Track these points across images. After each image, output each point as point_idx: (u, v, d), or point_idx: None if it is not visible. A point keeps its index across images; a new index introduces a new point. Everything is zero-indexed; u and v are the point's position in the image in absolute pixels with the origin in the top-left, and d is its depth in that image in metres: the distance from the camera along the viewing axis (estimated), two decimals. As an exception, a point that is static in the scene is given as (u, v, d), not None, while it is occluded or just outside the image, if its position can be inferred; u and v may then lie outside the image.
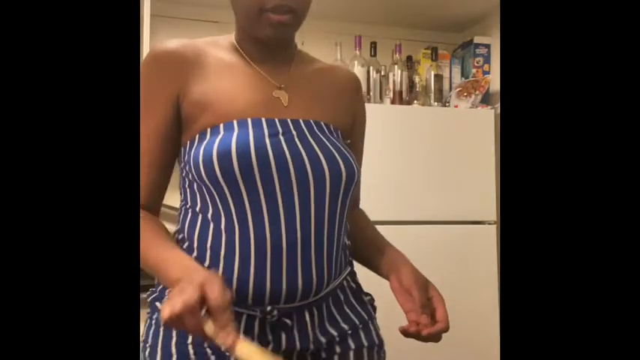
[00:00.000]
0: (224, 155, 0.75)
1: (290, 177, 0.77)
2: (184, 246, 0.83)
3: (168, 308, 0.62)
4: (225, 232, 0.78)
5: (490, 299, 2.02)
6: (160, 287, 0.89)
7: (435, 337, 0.78)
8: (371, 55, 2.18)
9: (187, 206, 0.86)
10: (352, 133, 0.93)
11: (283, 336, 0.79)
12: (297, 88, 0.86)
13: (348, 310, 0.86)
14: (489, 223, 2.10)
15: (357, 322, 0.86)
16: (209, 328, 0.63)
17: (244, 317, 0.77)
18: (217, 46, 0.87)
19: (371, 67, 2.13)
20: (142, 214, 0.82)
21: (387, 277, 0.86)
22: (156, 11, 1.98)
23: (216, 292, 0.63)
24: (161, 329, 0.82)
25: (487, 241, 2.07)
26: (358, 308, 0.88)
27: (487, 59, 2.33)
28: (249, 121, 0.79)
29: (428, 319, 0.78)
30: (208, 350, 0.76)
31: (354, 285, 0.90)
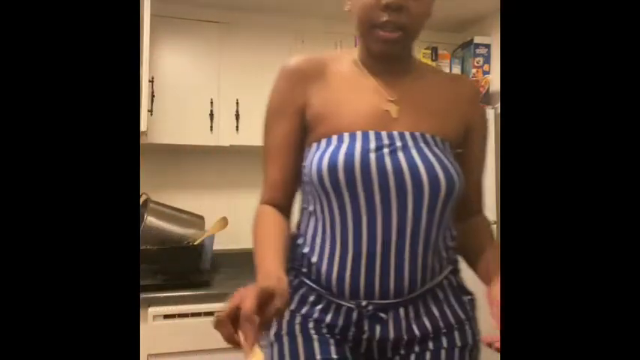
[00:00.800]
0: (332, 166, 0.84)
1: (389, 188, 0.83)
2: (299, 241, 0.93)
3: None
4: (330, 232, 0.87)
5: (490, 299, 2.02)
6: None
7: None
8: (371, 55, 2.17)
9: (304, 205, 0.96)
10: (467, 143, 0.96)
11: (378, 328, 0.86)
12: (407, 100, 0.91)
13: (446, 309, 0.90)
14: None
15: (453, 321, 0.90)
16: (241, 336, 0.66)
17: (344, 308, 0.87)
18: (339, 60, 0.95)
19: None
20: (270, 211, 0.93)
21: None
22: (156, 11, 1.98)
23: (246, 306, 0.66)
24: (287, 312, 0.90)
25: (487, 241, 2.07)
26: (456, 307, 0.91)
27: (487, 59, 2.33)
28: (358, 134, 0.86)
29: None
30: (324, 330, 0.88)
31: (455, 283, 0.93)
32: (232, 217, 2.14)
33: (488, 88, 2.23)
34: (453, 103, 0.94)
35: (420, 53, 2.28)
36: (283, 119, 0.93)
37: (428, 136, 0.88)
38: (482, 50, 2.32)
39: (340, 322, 0.87)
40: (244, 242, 2.35)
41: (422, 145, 0.87)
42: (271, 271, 0.78)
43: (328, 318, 0.88)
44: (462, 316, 0.91)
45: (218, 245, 2.24)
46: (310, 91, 0.92)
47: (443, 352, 0.88)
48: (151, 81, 2.02)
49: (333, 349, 0.87)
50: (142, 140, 2.03)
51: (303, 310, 0.89)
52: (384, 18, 0.83)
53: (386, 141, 0.86)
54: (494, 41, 2.32)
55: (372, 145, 0.85)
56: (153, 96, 2.06)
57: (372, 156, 0.84)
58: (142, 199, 2.13)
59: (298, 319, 0.89)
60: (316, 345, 0.87)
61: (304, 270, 0.91)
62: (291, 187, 0.96)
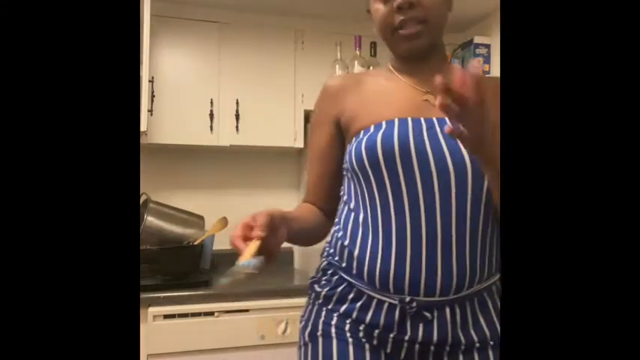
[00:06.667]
0: (371, 146, 0.83)
1: (430, 168, 0.81)
2: (339, 234, 0.91)
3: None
4: (372, 222, 0.84)
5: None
6: (320, 274, 0.96)
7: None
8: (371, 55, 2.18)
9: (344, 199, 0.95)
10: None
11: (421, 328, 0.81)
12: None
13: (494, 316, 0.85)
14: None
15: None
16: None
17: (386, 305, 0.82)
18: (374, 73, 1.01)
19: (371, 67, 2.13)
20: (304, 205, 1.00)
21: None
22: (156, 11, 1.98)
23: (258, 219, 0.74)
24: (323, 309, 0.90)
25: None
26: None
27: (487, 59, 2.33)
28: (396, 120, 0.86)
29: None
30: (361, 334, 0.84)
31: None
32: (232, 217, 2.14)
33: (488, 88, 2.23)
34: (494, 96, 0.90)
35: (420, 53, 2.28)
36: (320, 130, 0.99)
37: None
38: (483, 50, 2.32)
39: (381, 321, 0.83)
40: (244, 242, 2.35)
41: None
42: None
43: (368, 317, 0.84)
44: None
45: (218, 245, 2.24)
46: (344, 101, 0.95)
47: None
48: (151, 81, 2.02)
49: (367, 354, 0.83)
50: (142, 140, 2.02)
51: (342, 309, 0.86)
52: (401, 18, 0.86)
53: (424, 125, 0.85)
54: (494, 41, 2.32)
55: (410, 128, 0.84)
56: (153, 96, 2.06)
57: (411, 136, 0.83)
58: (142, 199, 2.13)
59: (335, 320, 0.86)
60: (351, 349, 0.83)
61: (344, 265, 0.88)
62: (328, 192, 0.99)
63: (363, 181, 0.86)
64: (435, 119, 0.86)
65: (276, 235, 0.77)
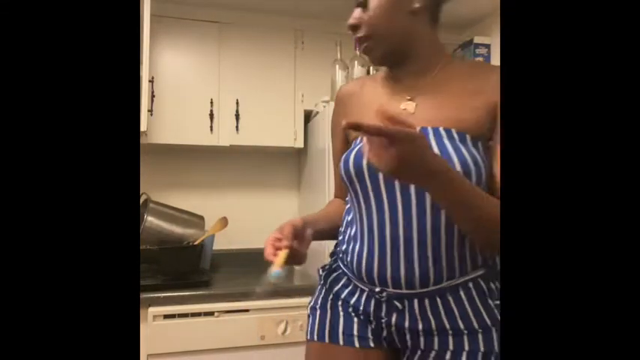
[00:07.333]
0: (346, 162, 0.95)
1: (394, 180, 0.89)
2: (340, 230, 1.06)
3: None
4: (352, 221, 0.99)
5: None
6: (328, 259, 1.10)
7: None
8: (371, 55, 2.17)
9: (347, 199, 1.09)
10: (495, 131, 0.92)
11: (394, 315, 0.92)
12: (424, 97, 0.96)
13: (469, 311, 0.89)
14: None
15: (476, 325, 0.89)
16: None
17: (365, 293, 0.95)
18: (375, 78, 1.08)
19: (371, 67, 2.13)
20: (332, 200, 1.18)
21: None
22: (156, 11, 1.98)
23: (284, 230, 0.88)
24: (323, 288, 1.05)
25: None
26: (482, 312, 0.90)
27: (487, 59, 2.32)
28: None
29: None
30: (350, 309, 0.98)
31: (485, 289, 0.91)
32: (232, 217, 2.14)
33: (488, 88, 2.22)
34: (477, 93, 0.92)
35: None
36: (335, 135, 1.13)
37: (441, 129, 0.89)
38: (483, 50, 2.32)
39: (362, 305, 0.96)
40: (244, 242, 2.36)
41: (430, 137, 0.88)
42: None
43: (353, 300, 0.97)
44: (489, 321, 0.89)
45: (218, 245, 2.24)
46: (349, 108, 1.07)
47: (464, 355, 0.87)
48: (151, 81, 2.02)
49: (355, 326, 0.97)
50: (142, 140, 2.02)
51: (335, 289, 1.02)
52: (355, 37, 0.97)
53: None
54: (495, 41, 2.32)
55: None
56: (153, 96, 2.06)
57: None
58: (142, 199, 2.13)
59: (331, 296, 1.02)
60: (341, 321, 0.98)
61: (341, 255, 1.03)
62: (342, 189, 1.13)
63: (347, 188, 0.99)
64: None
65: (303, 239, 0.89)
